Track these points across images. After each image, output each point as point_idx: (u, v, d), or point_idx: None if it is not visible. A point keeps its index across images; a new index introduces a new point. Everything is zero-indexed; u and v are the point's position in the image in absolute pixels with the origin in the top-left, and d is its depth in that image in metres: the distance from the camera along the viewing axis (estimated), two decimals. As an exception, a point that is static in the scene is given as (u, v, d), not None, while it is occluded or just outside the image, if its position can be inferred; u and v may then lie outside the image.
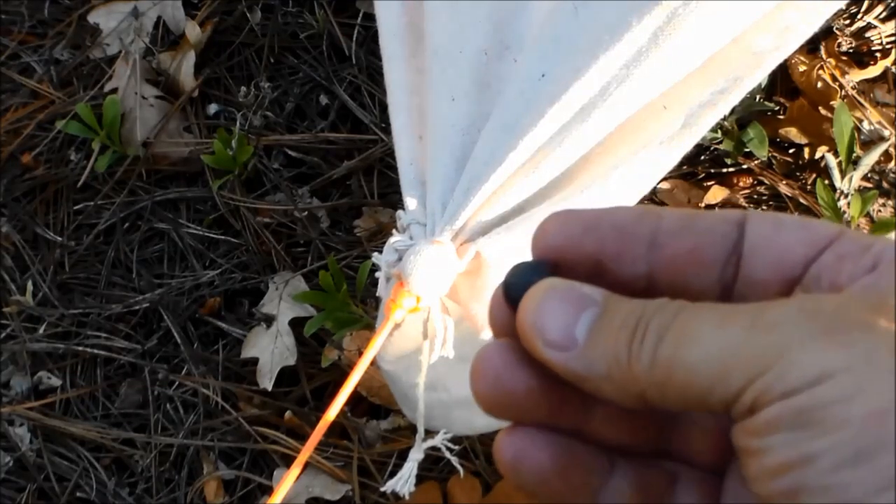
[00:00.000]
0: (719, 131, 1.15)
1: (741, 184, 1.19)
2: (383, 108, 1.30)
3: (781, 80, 1.21)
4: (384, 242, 0.65)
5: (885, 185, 1.13)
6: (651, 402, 0.29)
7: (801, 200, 1.16)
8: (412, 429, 0.86)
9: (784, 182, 1.17)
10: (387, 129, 1.27)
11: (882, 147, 1.10)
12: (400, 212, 0.66)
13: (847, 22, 1.23)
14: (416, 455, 0.72)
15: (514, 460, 0.30)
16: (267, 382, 1.17)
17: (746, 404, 0.27)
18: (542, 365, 0.30)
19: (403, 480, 0.72)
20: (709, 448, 0.32)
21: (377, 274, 0.67)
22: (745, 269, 0.31)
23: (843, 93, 1.17)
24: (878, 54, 1.22)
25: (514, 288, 0.32)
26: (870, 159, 1.10)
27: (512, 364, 0.31)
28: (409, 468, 0.72)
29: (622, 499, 0.31)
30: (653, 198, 1.18)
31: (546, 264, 0.32)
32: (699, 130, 0.64)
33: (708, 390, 0.27)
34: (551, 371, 0.30)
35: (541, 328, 0.30)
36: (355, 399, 1.14)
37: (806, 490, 0.25)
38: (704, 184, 1.19)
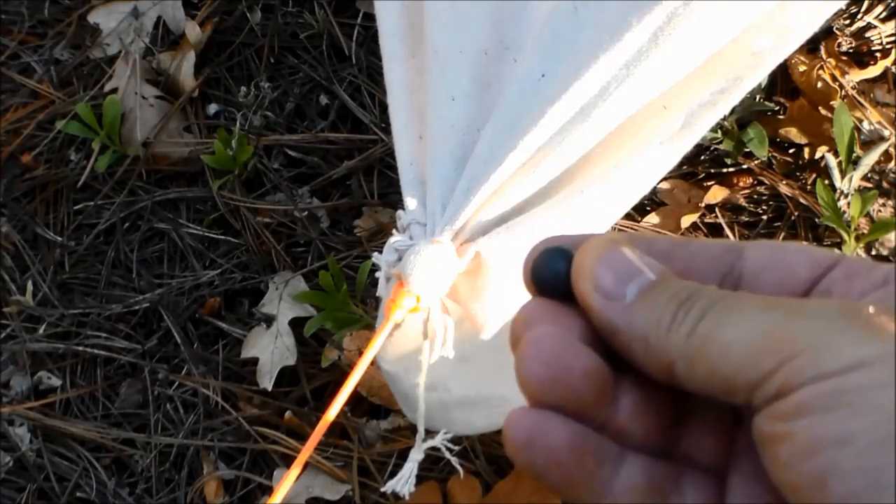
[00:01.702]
0: (719, 131, 1.15)
1: (741, 184, 1.19)
2: (383, 108, 1.30)
3: (781, 80, 1.21)
4: (384, 242, 0.65)
5: (885, 185, 1.13)
6: (677, 375, 0.30)
7: (801, 200, 1.16)
8: (412, 429, 0.86)
9: (784, 182, 1.17)
10: (387, 129, 1.27)
11: (882, 147, 1.10)
12: (400, 212, 0.66)
13: (847, 22, 1.23)
14: (416, 455, 0.72)
15: (528, 437, 0.30)
16: (267, 382, 1.17)
17: (774, 387, 0.27)
18: (596, 346, 0.31)
19: (403, 481, 0.72)
20: (715, 448, 0.32)
21: (377, 274, 0.67)
22: (747, 288, 0.32)
23: (843, 93, 1.17)
24: (878, 54, 1.22)
25: (545, 274, 0.33)
26: (870, 159, 1.10)
27: (572, 344, 0.31)
28: (410, 468, 0.72)
29: (631, 489, 0.31)
30: (653, 198, 1.18)
31: (570, 252, 0.33)
32: (699, 130, 0.64)
33: (737, 369, 0.28)
34: (600, 347, 0.31)
35: (597, 273, 0.31)
36: (355, 399, 1.14)
37: (838, 472, 0.25)
38: (704, 184, 1.19)
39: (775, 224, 1.17)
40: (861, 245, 1.10)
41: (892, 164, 1.13)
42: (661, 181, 0.76)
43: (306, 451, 0.61)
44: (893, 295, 0.30)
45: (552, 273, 0.33)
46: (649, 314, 0.30)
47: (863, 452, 0.25)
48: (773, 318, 0.28)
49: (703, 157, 1.20)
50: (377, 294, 0.67)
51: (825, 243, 1.14)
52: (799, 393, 0.27)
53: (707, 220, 1.18)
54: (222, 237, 1.29)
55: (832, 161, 1.10)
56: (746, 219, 1.18)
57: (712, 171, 1.20)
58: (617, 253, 0.32)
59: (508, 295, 0.63)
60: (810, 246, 0.33)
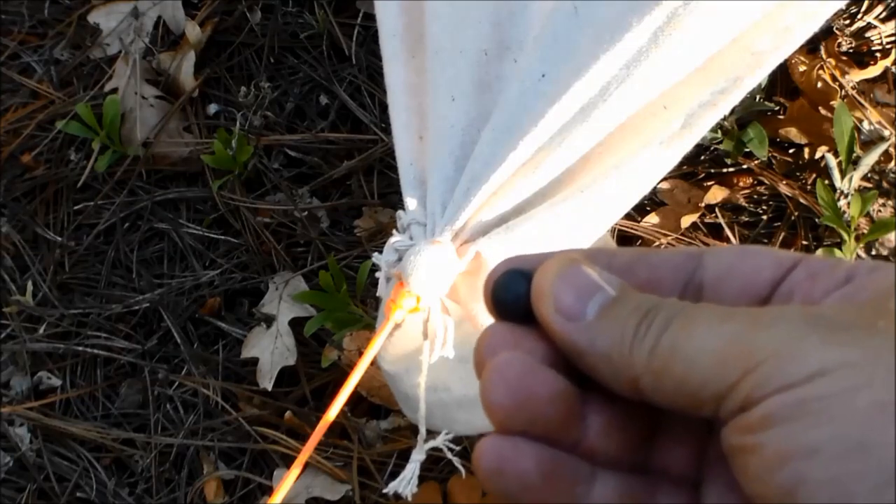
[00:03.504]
0: (719, 131, 1.15)
1: (741, 184, 1.19)
2: (383, 108, 1.30)
3: (781, 80, 1.21)
4: (384, 242, 0.65)
5: (885, 185, 1.13)
6: (643, 391, 0.29)
7: (801, 200, 1.16)
8: (412, 429, 0.86)
9: (784, 182, 1.17)
10: (387, 129, 1.27)
11: (882, 147, 1.10)
12: (400, 212, 0.66)
13: (847, 22, 1.23)
14: (417, 456, 0.72)
15: (497, 466, 0.30)
16: (267, 382, 1.17)
17: (739, 399, 0.27)
18: (558, 369, 0.31)
19: (406, 481, 0.72)
20: (688, 459, 0.32)
21: (377, 274, 0.67)
22: (709, 296, 0.32)
23: (843, 93, 1.17)
24: (878, 54, 1.22)
25: (506, 297, 0.32)
26: (870, 159, 1.10)
27: (535, 369, 0.31)
28: (412, 469, 0.72)
29: None
30: (653, 198, 1.18)
31: (530, 273, 0.32)
32: (699, 130, 0.64)
33: (702, 382, 0.28)
34: (565, 367, 0.31)
35: (556, 294, 0.31)
36: (355, 399, 1.14)
37: (806, 483, 0.25)
38: (704, 184, 1.19)
39: (775, 224, 1.17)
40: (861, 245, 1.10)
41: (892, 164, 1.13)
42: (661, 181, 0.76)
43: (306, 451, 0.61)
44: (857, 293, 0.29)
45: (512, 296, 0.32)
46: (611, 331, 0.30)
47: (830, 462, 0.25)
48: (733, 328, 0.28)
49: (703, 157, 1.20)
50: (377, 294, 0.67)
51: (825, 243, 1.14)
52: (764, 404, 0.26)
53: (707, 220, 1.18)
54: (222, 237, 1.29)
55: (832, 161, 1.10)
56: (746, 219, 1.18)
57: (712, 171, 1.20)
58: (575, 271, 0.31)
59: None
60: (770, 248, 0.33)
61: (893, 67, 1.20)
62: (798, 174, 1.18)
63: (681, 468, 0.32)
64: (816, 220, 1.14)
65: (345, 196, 1.28)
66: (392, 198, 1.26)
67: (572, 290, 0.31)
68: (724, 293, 0.32)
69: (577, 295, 0.31)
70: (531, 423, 0.30)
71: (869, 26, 1.23)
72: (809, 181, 1.17)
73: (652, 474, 0.32)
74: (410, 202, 0.65)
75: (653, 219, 1.17)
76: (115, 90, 1.36)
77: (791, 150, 1.19)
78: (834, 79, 1.18)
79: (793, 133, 1.18)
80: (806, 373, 0.26)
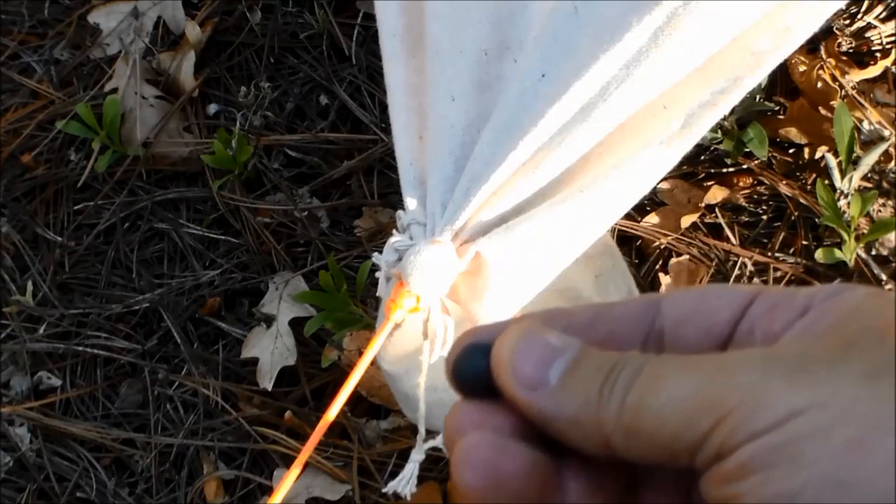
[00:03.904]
0: (719, 131, 1.15)
1: (741, 184, 1.19)
2: (383, 108, 1.30)
3: (781, 80, 1.21)
4: (384, 242, 0.65)
5: (885, 185, 1.13)
6: (616, 450, 0.29)
7: (801, 200, 1.16)
8: (412, 429, 0.86)
9: (784, 182, 1.17)
10: (387, 129, 1.27)
11: (882, 147, 1.10)
12: (400, 212, 0.66)
13: (847, 22, 1.23)
14: (417, 456, 0.72)
15: None
16: (267, 382, 1.17)
17: (713, 449, 0.27)
18: (530, 440, 0.30)
19: (405, 481, 0.72)
20: None
21: (377, 274, 0.67)
22: (671, 342, 0.32)
23: (843, 93, 1.17)
24: (878, 54, 1.22)
25: (467, 374, 0.32)
26: (870, 159, 1.10)
27: (503, 447, 0.30)
28: (411, 469, 0.72)
29: None
30: (653, 198, 1.18)
31: (489, 346, 0.32)
32: (699, 130, 0.64)
33: (674, 435, 0.27)
34: (536, 438, 0.30)
35: (515, 367, 0.30)
36: (355, 399, 1.14)
37: None
38: (704, 184, 1.19)
39: (775, 224, 1.17)
40: (861, 245, 1.10)
41: (892, 164, 1.13)
42: (661, 181, 0.76)
43: (306, 451, 0.61)
44: (815, 323, 0.29)
45: (474, 372, 0.32)
46: (576, 395, 0.29)
47: None
48: (699, 377, 0.28)
49: (703, 157, 1.20)
50: (377, 294, 0.67)
51: (825, 243, 1.14)
52: (738, 453, 0.26)
53: (707, 220, 1.18)
54: (222, 237, 1.29)
55: (832, 161, 1.10)
56: (746, 219, 1.18)
57: (712, 171, 1.20)
58: (532, 339, 0.31)
59: (508, 295, 0.63)
60: (726, 285, 0.33)
61: (893, 67, 1.20)
62: (798, 174, 1.18)
63: None
64: (816, 220, 1.14)
65: (345, 196, 1.28)
66: (392, 198, 1.26)
67: (531, 359, 0.30)
68: (685, 338, 0.32)
69: (537, 363, 0.30)
70: (506, 499, 0.30)
71: (869, 26, 1.23)
72: (809, 181, 1.17)
73: None
74: (410, 202, 0.65)
75: (653, 219, 1.17)
76: (115, 90, 1.36)
77: (791, 150, 1.19)
78: (834, 79, 1.18)
79: (793, 133, 1.18)
80: (775, 418, 0.26)
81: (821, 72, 1.18)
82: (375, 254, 0.67)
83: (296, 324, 1.18)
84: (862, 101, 1.16)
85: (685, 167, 1.20)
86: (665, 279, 1.14)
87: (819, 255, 1.10)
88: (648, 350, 0.32)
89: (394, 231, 0.65)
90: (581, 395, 0.29)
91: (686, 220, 1.16)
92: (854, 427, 0.25)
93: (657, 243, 1.16)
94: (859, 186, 1.11)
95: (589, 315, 0.33)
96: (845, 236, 1.08)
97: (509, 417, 0.31)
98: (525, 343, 0.31)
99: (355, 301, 1.09)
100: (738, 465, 0.26)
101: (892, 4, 1.22)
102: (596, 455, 0.30)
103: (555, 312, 0.33)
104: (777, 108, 1.20)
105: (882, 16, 1.23)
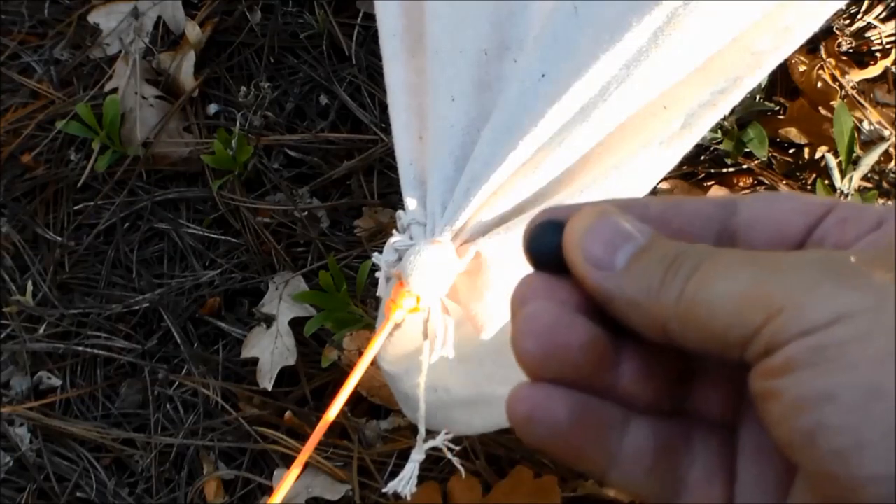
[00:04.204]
0: (719, 131, 1.15)
1: (741, 184, 1.19)
2: (383, 108, 1.30)
3: (781, 80, 1.21)
4: (384, 242, 0.65)
5: (885, 185, 1.13)
6: (672, 336, 0.30)
7: (801, 200, 1.16)
8: (412, 429, 0.86)
9: (784, 182, 1.17)
10: (387, 129, 1.27)
11: (882, 147, 1.10)
12: (400, 212, 0.66)
13: (847, 22, 1.23)
14: (417, 456, 0.72)
15: (528, 415, 0.30)
16: (267, 382, 1.17)
17: (762, 344, 0.27)
18: (592, 317, 0.31)
19: (405, 481, 0.72)
20: (722, 402, 0.32)
21: (377, 274, 0.67)
22: (744, 243, 0.32)
23: (843, 93, 1.17)
24: (878, 54, 1.22)
25: (539, 247, 0.33)
26: (870, 159, 1.10)
27: (566, 318, 0.31)
28: (411, 469, 0.72)
29: (639, 452, 0.31)
30: (653, 198, 1.18)
31: (564, 224, 0.33)
32: (699, 130, 0.64)
33: (726, 327, 0.28)
34: (598, 316, 0.31)
35: (585, 246, 0.31)
36: (355, 399, 1.14)
37: (824, 429, 0.25)
38: (704, 184, 1.19)
39: (775, 224, 1.17)
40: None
41: (892, 164, 1.13)
42: (661, 181, 0.76)
43: (306, 451, 0.61)
44: (886, 237, 0.29)
45: (546, 246, 0.33)
46: (639, 279, 0.30)
47: (846, 409, 0.25)
48: (754, 273, 0.28)
49: (703, 157, 1.20)
50: (377, 294, 0.67)
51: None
52: (785, 349, 0.26)
53: (707, 220, 1.18)
54: (222, 237, 1.29)
55: (832, 161, 1.10)
56: (746, 219, 1.18)
57: (712, 171, 1.20)
58: (605, 221, 0.32)
59: (508, 295, 0.63)
60: (804, 194, 0.33)
61: (893, 67, 1.20)
62: (798, 174, 1.18)
63: (716, 411, 0.32)
64: (816, 220, 1.14)
65: (345, 196, 1.28)
66: (392, 198, 1.26)
67: (601, 241, 0.31)
68: (757, 240, 0.32)
69: (607, 245, 0.31)
70: (562, 370, 0.30)
71: (869, 26, 1.23)
72: (809, 181, 1.17)
73: (687, 418, 0.32)
74: (410, 202, 0.65)
75: (653, 219, 1.17)
76: (115, 90, 1.36)
77: (791, 150, 1.19)
78: (834, 79, 1.18)
79: (793, 133, 1.18)
80: (825, 319, 0.26)
81: (821, 72, 1.18)
82: (375, 254, 0.67)
83: (296, 324, 1.18)
84: (862, 101, 1.16)
85: (685, 167, 1.20)
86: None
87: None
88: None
89: (394, 231, 0.65)
90: (644, 281, 0.30)
91: (686, 220, 1.15)
92: (894, 336, 0.25)
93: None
94: (859, 186, 1.11)
95: (662, 208, 0.33)
96: (845, 236, 1.08)
97: (575, 293, 0.32)
98: (598, 224, 0.32)
99: (355, 301, 1.09)
100: (783, 361, 0.26)
101: (892, 4, 1.22)
102: (653, 340, 0.30)
103: (632, 201, 0.33)
104: (777, 108, 1.20)
105: (882, 16, 1.23)
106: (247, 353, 1.20)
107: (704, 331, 0.29)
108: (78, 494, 1.18)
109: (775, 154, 1.19)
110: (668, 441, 0.32)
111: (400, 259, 0.63)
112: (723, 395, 0.32)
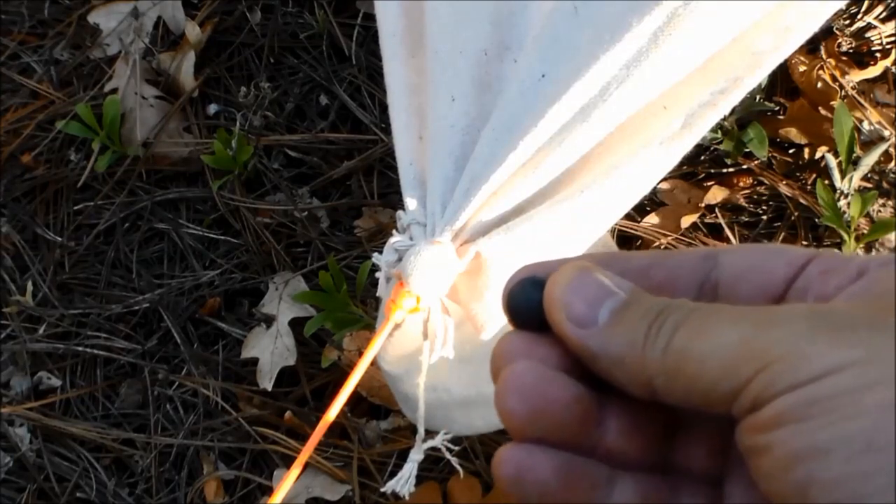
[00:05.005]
0: (719, 131, 1.15)
1: (741, 184, 1.19)
2: (383, 108, 1.30)
3: (781, 80, 1.21)
4: (384, 242, 0.65)
5: (885, 185, 1.13)
6: (658, 391, 0.30)
7: (801, 200, 1.16)
8: (412, 429, 0.86)
9: (784, 182, 1.17)
10: (387, 129, 1.27)
11: (882, 147, 1.10)
12: (400, 212, 0.66)
13: (847, 22, 1.23)
14: (416, 456, 0.72)
15: (515, 475, 0.30)
16: (267, 382, 1.17)
17: (750, 398, 0.27)
18: (574, 375, 0.31)
19: (403, 481, 0.72)
20: (708, 456, 0.32)
21: (377, 274, 0.67)
22: (725, 296, 0.32)
23: (843, 93, 1.17)
24: (878, 54, 1.22)
25: (520, 305, 0.33)
26: (870, 159, 1.10)
27: (548, 377, 0.31)
28: (410, 469, 0.72)
29: None
30: (653, 198, 1.18)
31: (544, 281, 0.33)
32: (699, 130, 0.64)
33: (714, 382, 0.28)
34: (581, 373, 0.31)
35: (567, 303, 0.31)
36: (355, 399, 1.14)
37: (818, 483, 0.25)
38: (704, 184, 1.19)
39: (775, 224, 1.17)
40: (861, 245, 1.10)
41: (892, 164, 1.13)
42: (661, 181, 0.76)
43: (306, 451, 0.61)
44: (867, 288, 0.29)
45: (527, 304, 0.33)
46: (623, 335, 0.30)
47: (839, 463, 0.25)
48: (744, 328, 0.28)
49: (703, 157, 1.20)
50: (377, 294, 0.67)
51: (825, 243, 1.14)
52: (774, 403, 0.26)
53: (707, 220, 1.18)
54: (222, 237, 1.29)
55: (832, 161, 1.10)
56: (746, 219, 1.18)
57: (712, 171, 1.20)
58: (586, 278, 0.32)
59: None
60: (785, 245, 0.33)
61: (893, 67, 1.20)
62: (798, 174, 1.18)
63: (702, 466, 0.32)
64: (816, 220, 1.14)
65: (345, 196, 1.28)
66: (392, 198, 1.26)
67: (583, 297, 0.31)
68: (739, 293, 0.32)
69: (589, 301, 0.31)
70: (547, 429, 0.31)
71: (869, 26, 1.23)
72: (809, 181, 1.17)
73: (673, 474, 0.32)
74: (410, 202, 0.65)
75: (653, 219, 1.17)
76: (115, 90, 1.36)
77: (791, 150, 1.19)
78: (834, 79, 1.18)
79: (793, 133, 1.18)
80: (815, 373, 0.26)
81: (821, 72, 1.18)
82: (375, 254, 0.67)
83: (296, 324, 1.18)
84: (862, 101, 1.16)
85: (685, 167, 1.20)
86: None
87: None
88: (702, 301, 0.32)
89: (394, 231, 0.65)
90: (628, 336, 0.30)
91: (686, 221, 1.16)
92: (888, 390, 0.25)
93: (657, 243, 1.16)
94: (859, 186, 1.11)
95: (645, 261, 0.33)
96: (845, 236, 1.08)
97: (557, 351, 0.32)
98: (579, 280, 0.32)
99: (355, 301, 1.09)
100: (773, 415, 0.26)
101: (892, 4, 1.22)
102: (638, 396, 0.30)
103: (612, 255, 0.34)
104: (777, 108, 1.20)
105: (882, 16, 1.23)
106: (247, 353, 1.20)
107: (692, 384, 0.29)
108: (78, 495, 1.18)
109: (775, 154, 1.19)
110: (654, 497, 0.32)
111: (400, 259, 0.63)
112: (708, 449, 0.32)
